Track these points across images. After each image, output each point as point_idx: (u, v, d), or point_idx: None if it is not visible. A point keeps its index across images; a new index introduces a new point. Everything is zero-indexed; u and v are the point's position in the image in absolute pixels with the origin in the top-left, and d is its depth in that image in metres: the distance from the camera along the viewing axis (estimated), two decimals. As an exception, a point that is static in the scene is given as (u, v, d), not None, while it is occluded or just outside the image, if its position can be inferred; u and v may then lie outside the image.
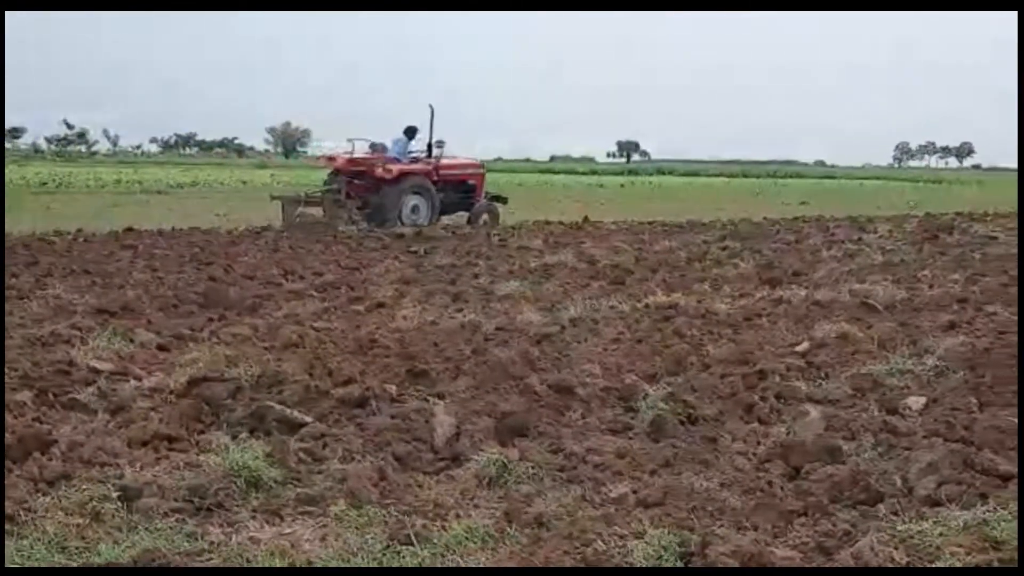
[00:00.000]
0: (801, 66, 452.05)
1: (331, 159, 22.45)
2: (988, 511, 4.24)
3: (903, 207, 32.49)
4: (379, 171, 20.95)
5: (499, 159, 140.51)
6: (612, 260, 14.67)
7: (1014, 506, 4.27)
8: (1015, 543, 3.93)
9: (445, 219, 22.64)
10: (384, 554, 4.04)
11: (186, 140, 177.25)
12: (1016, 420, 5.75)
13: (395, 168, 21.21)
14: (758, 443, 5.59)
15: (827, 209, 30.28)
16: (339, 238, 18.18)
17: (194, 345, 7.92)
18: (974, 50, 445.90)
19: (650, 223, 23.49)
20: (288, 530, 4.31)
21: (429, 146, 22.31)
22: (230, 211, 25.88)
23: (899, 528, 4.17)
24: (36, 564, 3.87)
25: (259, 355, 7.28)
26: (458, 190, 23.01)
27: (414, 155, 22.31)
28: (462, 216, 23.07)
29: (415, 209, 21.42)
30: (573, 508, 4.55)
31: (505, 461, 5.10)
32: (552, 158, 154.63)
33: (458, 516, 4.44)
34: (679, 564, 3.91)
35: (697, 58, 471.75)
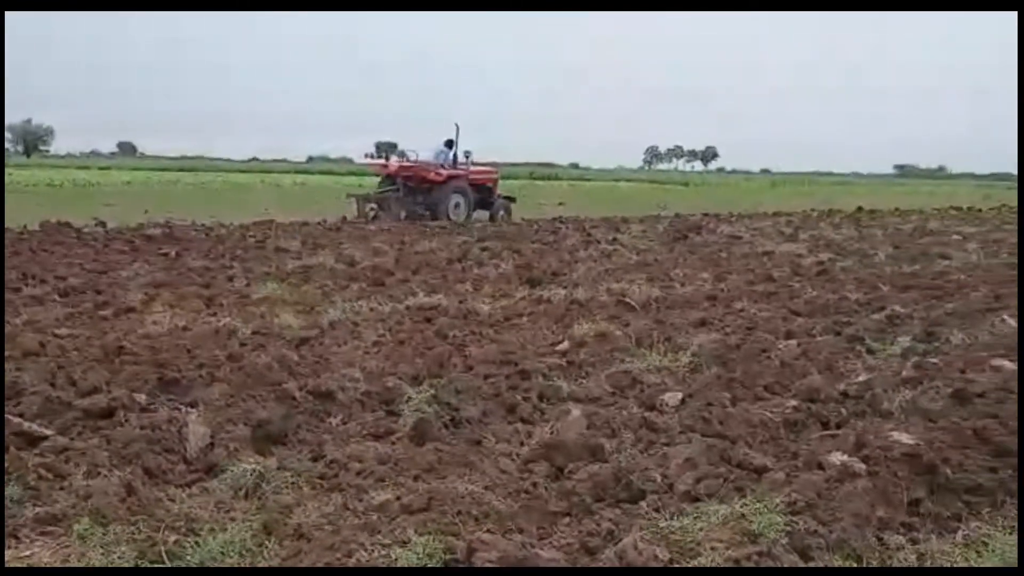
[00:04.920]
0: (560, 70, 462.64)
1: (384, 166, 27.87)
2: (745, 504, 4.35)
3: (654, 208, 33.60)
4: (432, 175, 26.16)
5: (254, 159, 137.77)
6: (372, 261, 14.54)
7: (769, 499, 4.40)
8: (772, 535, 4.04)
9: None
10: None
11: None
12: (766, 413, 5.98)
13: (444, 172, 26.44)
14: (522, 444, 5.59)
15: (583, 210, 31.09)
16: (83, 239, 17.35)
17: (-81, 356, 7.30)
18: (719, 71, 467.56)
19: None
20: (26, 552, 3.99)
21: (455, 156, 27.24)
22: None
23: (661, 525, 4.23)
24: None
25: (-7, 365, 6.79)
26: (481, 191, 27.88)
27: (450, 163, 27.22)
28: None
29: (457, 206, 26.47)
30: (335, 517, 4.41)
31: (262, 470, 4.92)
32: (310, 158, 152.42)
33: (213, 530, 4.22)
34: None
35: (451, 62, 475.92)
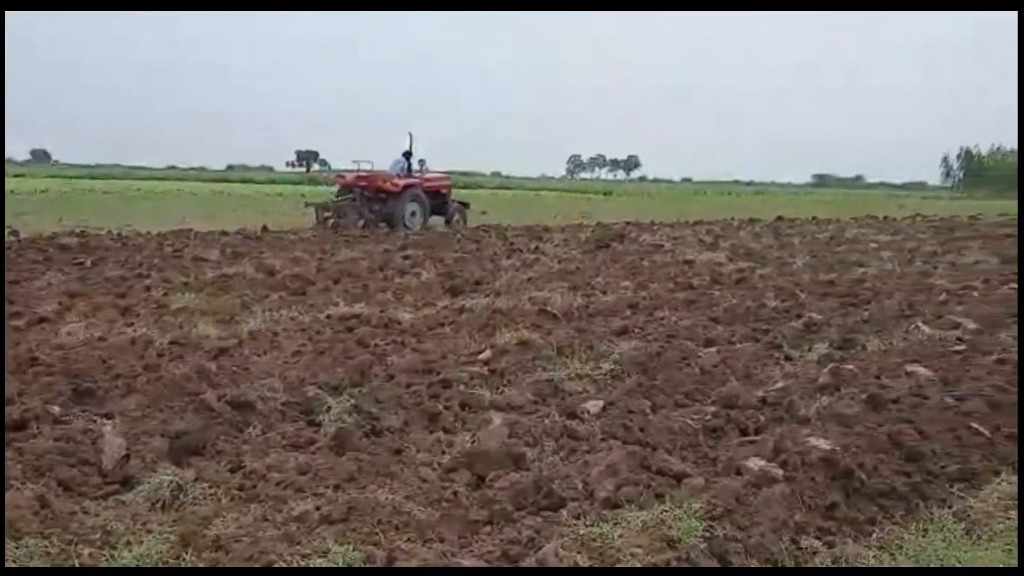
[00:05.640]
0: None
1: (341, 176, 27.65)
2: (665, 511, 4.39)
3: (577, 217, 33.77)
4: (388, 185, 25.97)
5: (173, 167, 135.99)
6: (292, 271, 14.39)
7: (688, 505, 4.44)
8: (690, 541, 4.08)
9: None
10: (45, 590, 3.71)
11: None
12: (686, 420, 6.03)
13: (400, 182, 26.30)
14: (443, 452, 5.57)
15: (505, 219, 31.17)
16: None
17: None
18: (641, 71, 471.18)
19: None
20: (-66, 569, 3.89)
21: (409, 165, 27.53)
22: None
23: (581, 532, 4.24)
24: None
25: (-100, 377, 6.61)
26: (436, 199, 27.96)
27: (406, 172, 27.44)
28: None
29: (413, 214, 26.28)
30: (253, 528, 4.35)
31: (180, 482, 4.85)
32: (229, 167, 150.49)
33: (129, 543, 4.15)
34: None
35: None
